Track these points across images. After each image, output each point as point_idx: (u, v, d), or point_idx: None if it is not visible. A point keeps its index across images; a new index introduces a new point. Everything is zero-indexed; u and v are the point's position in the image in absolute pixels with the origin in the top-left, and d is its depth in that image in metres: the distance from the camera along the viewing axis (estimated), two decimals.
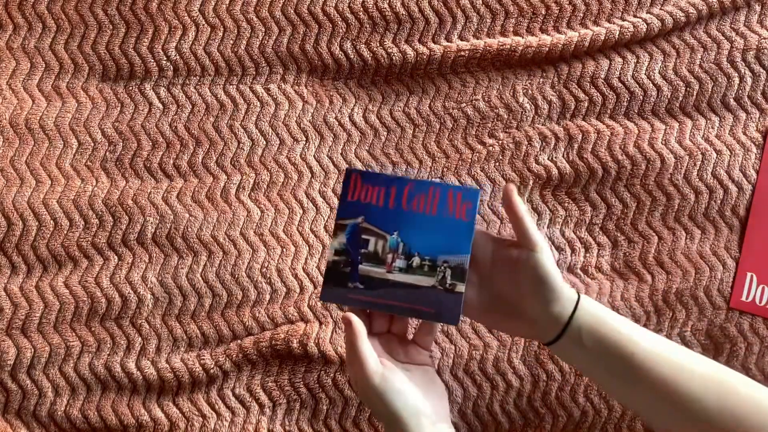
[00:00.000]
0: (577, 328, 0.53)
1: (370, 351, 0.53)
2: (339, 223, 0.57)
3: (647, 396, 0.53)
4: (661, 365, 0.53)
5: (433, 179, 0.56)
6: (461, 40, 0.76)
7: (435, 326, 0.59)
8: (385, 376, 0.53)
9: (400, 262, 0.56)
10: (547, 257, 0.54)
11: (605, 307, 0.55)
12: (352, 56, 0.75)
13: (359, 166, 0.74)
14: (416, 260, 0.56)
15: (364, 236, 0.57)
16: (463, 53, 0.75)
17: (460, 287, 0.55)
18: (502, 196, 0.55)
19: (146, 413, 0.67)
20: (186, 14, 0.74)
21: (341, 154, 0.74)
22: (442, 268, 0.56)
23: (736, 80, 0.76)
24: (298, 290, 0.71)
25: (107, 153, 0.72)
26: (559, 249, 0.73)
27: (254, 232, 0.71)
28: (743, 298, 0.73)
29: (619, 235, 0.74)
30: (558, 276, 0.54)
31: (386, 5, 0.75)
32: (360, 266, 0.57)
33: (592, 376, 0.57)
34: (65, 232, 0.69)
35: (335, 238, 0.57)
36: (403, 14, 0.76)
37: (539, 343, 0.70)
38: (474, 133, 0.75)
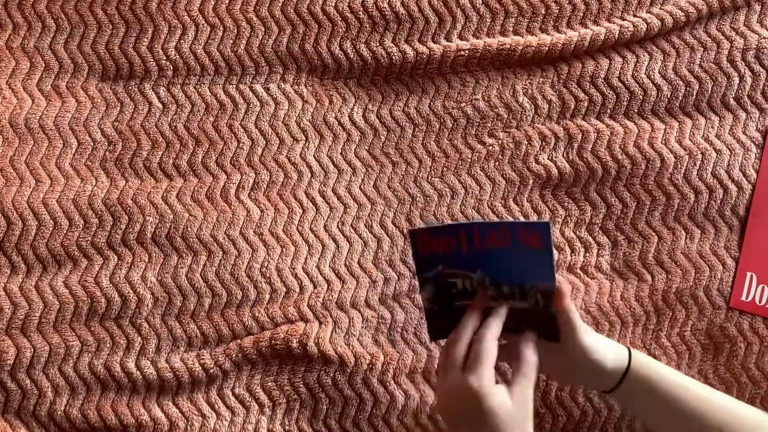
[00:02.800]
0: (629, 383, 0.59)
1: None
2: (422, 278, 0.59)
3: None
4: (712, 412, 0.59)
5: (501, 220, 0.58)
6: (461, 39, 0.76)
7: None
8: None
9: (491, 292, 0.58)
10: (596, 355, 0.58)
11: (654, 360, 0.61)
12: (351, 56, 0.75)
13: (359, 166, 0.74)
14: (506, 288, 0.58)
15: (450, 279, 0.59)
16: (462, 53, 0.75)
17: (552, 309, 0.58)
18: (555, 296, 0.58)
19: (146, 413, 0.67)
20: (186, 14, 0.74)
21: (341, 153, 0.74)
22: (533, 292, 0.58)
23: (736, 80, 0.76)
24: (297, 290, 0.71)
25: (107, 153, 0.72)
26: (558, 249, 0.73)
27: (254, 231, 0.71)
28: (743, 298, 0.73)
29: (618, 234, 0.74)
30: (607, 354, 0.59)
31: (386, 5, 0.75)
32: (456, 303, 0.60)
33: (647, 421, 0.64)
34: (65, 231, 0.69)
35: (423, 291, 0.60)
36: (402, 14, 0.75)
37: None
38: (474, 132, 0.75)
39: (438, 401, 0.59)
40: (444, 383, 0.57)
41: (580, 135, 0.74)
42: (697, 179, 0.74)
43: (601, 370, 0.59)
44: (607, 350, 0.59)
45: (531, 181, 0.74)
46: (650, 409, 0.60)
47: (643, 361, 0.60)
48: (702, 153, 0.74)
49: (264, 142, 0.73)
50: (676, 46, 0.77)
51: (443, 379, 0.57)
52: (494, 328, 0.56)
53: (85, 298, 0.68)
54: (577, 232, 0.74)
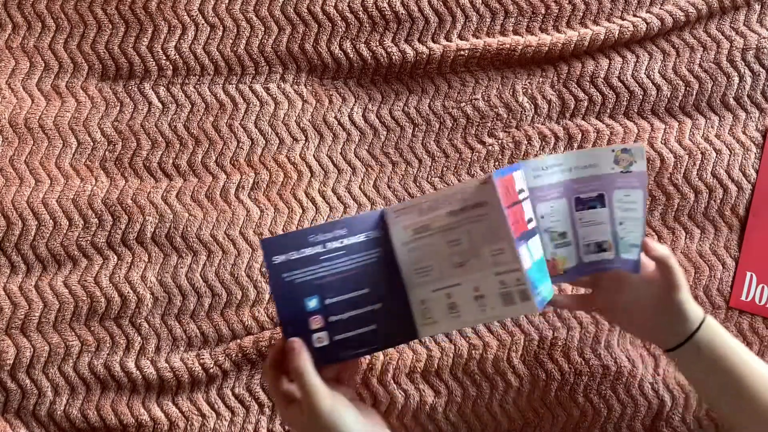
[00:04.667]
0: (696, 343, 0.59)
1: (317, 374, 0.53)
2: None
3: (750, 417, 0.58)
4: (766, 391, 0.58)
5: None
6: (461, 39, 0.76)
7: (358, 366, 0.63)
8: (336, 400, 0.53)
9: None
10: (685, 295, 0.60)
11: (726, 331, 0.61)
12: (351, 56, 0.75)
13: (359, 166, 0.74)
14: None
15: None
16: (462, 53, 0.75)
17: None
18: (658, 258, 0.60)
19: (146, 413, 0.67)
20: (185, 14, 0.74)
21: (341, 153, 0.74)
22: None
23: (736, 80, 0.76)
24: None
25: (106, 152, 0.72)
26: None
27: (253, 231, 0.71)
28: (743, 298, 0.73)
29: None
30: (691, 306, 0.60)
31: (386, 5, 0.75)
32: None
33: (702, 388, 0.63)
34: (64, 231, 0.69)
35: None
36: (402, 14, 0.75)
37: (539, 344, 0.70)
38: (474, 132, 0.75)
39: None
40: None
41: (580, 135, 0.74)
42: (697, 179, 0.74)
43: (676, 318, 0.60)
44: (689, 310, 0.60)
45: None
46: (708, 378, 0.60)
47: (714, 328, 0.60)
48: (702, 153, 0.74)
49: (264, 142, 0.73)
50: (676, 46, 0.77)
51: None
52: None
53: (84, 298, 0.68)
54: None
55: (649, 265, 0.62)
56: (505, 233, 0.53)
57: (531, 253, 0.56)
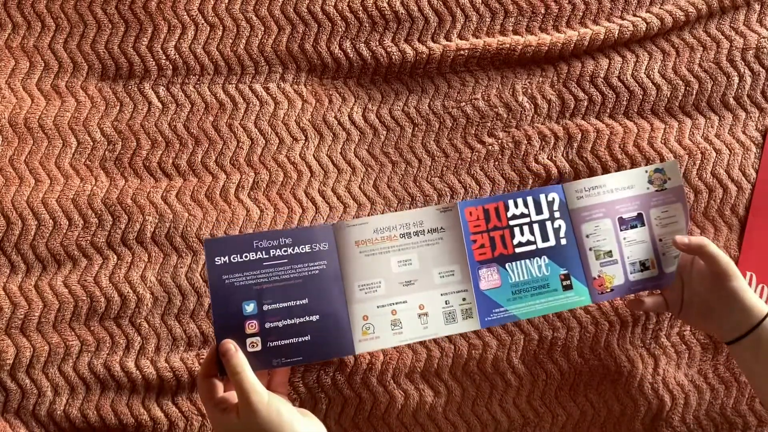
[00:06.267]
0: (756, 337, 0.60)
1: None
2: None
3: None
4: None
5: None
6: (461, 39, 0.76)
7: (288, 374, 0.63)
8: (272, 397, 0.54)
9: None
10: (739, 284, 0.61)
11: None
12: (351, 55, 0.75)
13: (359, 166, 0.74)
14: None
15: None
16: (462, 52, 0.75)
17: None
18: (693, 249, 0.62)
19: (145, 412, 0.67)
20: (185, 13, 0.74)
21: (341, 153, 0.74)
22: None
23: (736, 79, 0.76)
24: None
25: (106, 152, 0.72)
26: None
27: (253, 231, 0.71)
28: None
29: None
30: (748, 296, 0.61)
31: (385, 4, 0.75)
32: None
33: (758, 382, 0.63)
34: (64, 231, 0.69)
35: None
36: (402, 13, 0.75)
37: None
38: (473, 132, 0.75)
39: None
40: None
41: (580, 135, 0.74)
42: (697, 179, 0.74)
43: (735, 310, 0.60)
44: (747, 301, 0.60)
45: (531, 181, 0.74)
46: (765, 373, 0.61)
47: None
48: (702, 153, 0.74)
49: (264, 142, 0.73)
50: (676, 46, 0.77)
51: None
52: None
53: (84, 298, 0.68)
54: None
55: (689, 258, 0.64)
56: (460, 257, 0.59)
57: (509, 274, 0.61)
